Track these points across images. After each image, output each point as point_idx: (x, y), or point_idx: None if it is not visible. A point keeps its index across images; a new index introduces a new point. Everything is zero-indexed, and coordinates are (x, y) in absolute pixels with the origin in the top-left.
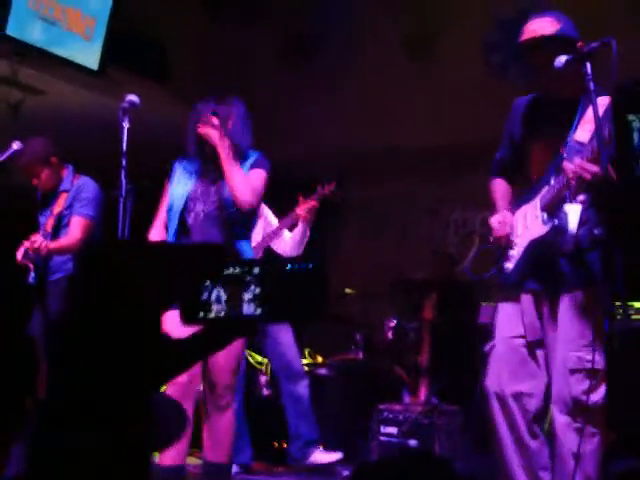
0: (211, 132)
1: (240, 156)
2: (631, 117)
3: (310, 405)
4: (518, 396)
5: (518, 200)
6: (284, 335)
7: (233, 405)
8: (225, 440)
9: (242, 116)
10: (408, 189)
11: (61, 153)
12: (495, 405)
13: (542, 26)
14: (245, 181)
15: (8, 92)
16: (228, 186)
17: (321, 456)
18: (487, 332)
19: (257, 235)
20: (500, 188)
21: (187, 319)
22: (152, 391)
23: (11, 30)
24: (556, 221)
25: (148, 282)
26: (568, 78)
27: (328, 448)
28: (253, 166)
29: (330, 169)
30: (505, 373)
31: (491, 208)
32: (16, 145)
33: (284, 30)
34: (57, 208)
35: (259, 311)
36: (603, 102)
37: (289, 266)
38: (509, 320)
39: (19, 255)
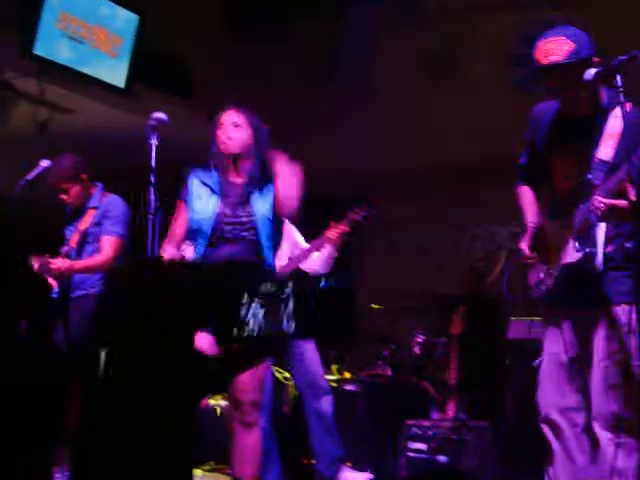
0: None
1: (260, 170)
2: None
3: (334, 422)
4: (565, 411)
5: (548, 212)
6: (309, 351)
7: (260, 422)
8: (253, 457)
9: (257, 124)
10: (434, 204)
11: (90, 171)
12: (544, 421)
13: (555, 49)
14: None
15: (36, 110)
16: (284, 197)
17: (350, 475)
18: (516, 348)
19: (282, 256)
20: (526, 196)
21: (221, 337)
22: (190, 408)
23: (39, 49)
24: (587, 249)
25: (184, 301)
26: (589, 94)
27: (356, 465)
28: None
29: (356, 186)
30: (551, 389)
31: (518, 221)
32: (44, 163)
33: (309, 48)
34: (83, 224)
35: (293, 327)
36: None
37: (322, 283)
38: (552, 337)
39: (36, 265)
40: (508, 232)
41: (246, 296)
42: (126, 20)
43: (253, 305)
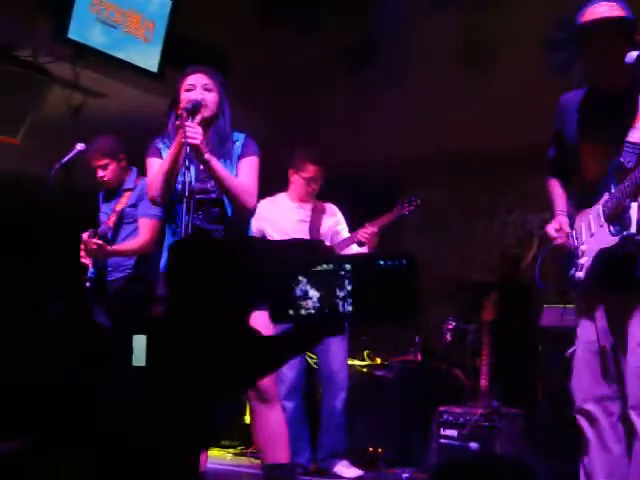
0: (202, 147)
1: (230, 137)
2: None
3: (343, 418)
4: (601, 400)
5: (576, 202)
6: (335, 344)
7: (279, 398)
8: (279, 436)
9: (225, 92)
10: (467, 191)
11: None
12: (579, 411)
13: (606, 11)
14: (241, 187)
15: (70, 95)
16: (225, 195)
17: (343, 470)
18: (549, 335)
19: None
20: (555, 189)
21: (278, 316)
22: (243, 390)
23: (73, 34)
24: (625, 232)
25: (240, 279)
26: (626, 72)
27: (386, 451)
28: (244, 153)
29: (387, 173)
30: (586, 378)
31: (549, 208)
32: (79, 146)
33: (341, 37)
34: (120, 205)
35: (351, 309)
36: None
37: (381, 262)
38: (585, 325)
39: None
40: (541, 219)
41: (302, 275)
42: (159, 5)
43: (309, 284)
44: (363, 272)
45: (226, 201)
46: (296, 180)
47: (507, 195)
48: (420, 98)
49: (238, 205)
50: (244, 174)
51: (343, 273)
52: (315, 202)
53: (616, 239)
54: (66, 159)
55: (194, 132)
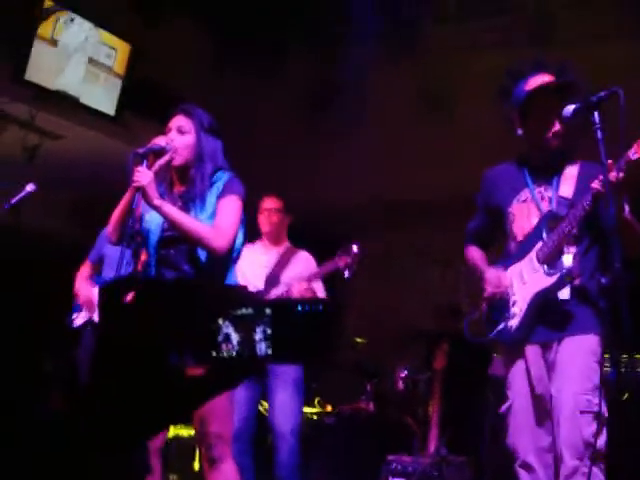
0: (149, 191)
1: (206, 179)
2: None
3: (291, 469)
4: (541, 452)
5: (506, 263)
6: (282, 393)
7: (229, 458)
8: None
9: (206, 129)
10: (421, 240)
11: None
12: (522, 466)
13: (546, 78)
14: (203, 230)
15: (25, 136)
16: (185, 239)
17: None
18: (498, 384)
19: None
20: (478, 253)
21: (199, 358)
22: (158, 431)
23: (30, 75)
24: (563, 270)
25: (162, 320)
26: (563, 132)
27: None
28: (224, 193)
29: (342, 218)
30: (526, 430)
31: (473, 273)
32: (30, 187)
33: (300, 83)
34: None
35: (270, 351)
36: (577, 162)
37: (299, 307)
38: (519, 377)
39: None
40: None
41: (221, 318)
42: (118, 49)
43: (228, 327)
44: (282, 316)
45: None
46: (260, 220)
47: (461, 244)
48: (374, 146)
49: (204, 248)
50: (219, 215)
51: (262, 317)
52: (288, 248)
53: (553, 278)
54: (15, 200)
55: (141, 176)
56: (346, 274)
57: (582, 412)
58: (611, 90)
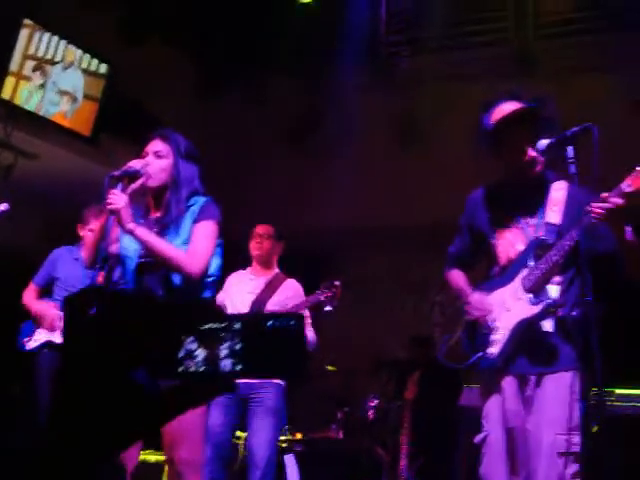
0: (123, 215)
1: (182, 203)
2: None
3: None
4: None
5: (487, 287)
6: (258, 422)
7: None
8: None
9: (182, 154)
10: (393, 268)
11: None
12: None
13: (511, 107)
14: (176, 254)
15: (0, 154)
16: (160, 263)
17: None
18: (469, 415)
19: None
20: (460, 277)
21: (164, 374)
22: (121, 448)
23: (5, 94)
24: (548, 300)
25: (127, 334)
26: (536, 162)
27: None
28: (200, 217)
29: (321, 245)
30: (500, 462)
31: (455, 296)
32: (2, 206)
33: (282, 110)
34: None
35: (239, 367)
36: (561, 186)
37: (270, 322)
38: (496, 408)
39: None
40: (431, 303)
41: (186, 333)
42: (96, 69)
43: (193, 343)
44: (252, 331)
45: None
46: (251, 245)
47: (434, 273)
48: (356, 171)
49: (178, 273)
50: (193, 240)
51: (231, 332)
52: (276, 275)
53: (538, 307)
54: None
55: (116, 199)
56: (327, 308)
57: (561, 454)
58: (585, 126)
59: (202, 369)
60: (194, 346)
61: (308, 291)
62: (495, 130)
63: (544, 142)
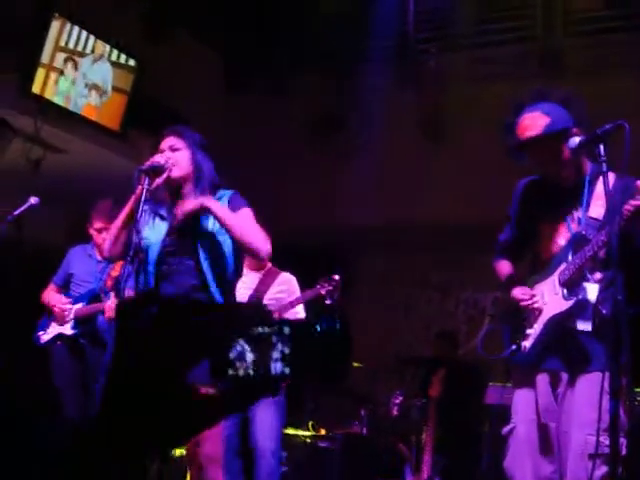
0: (209, 204)
1: (206, 193)
2: None
3: None
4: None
5: (531, 280)
6: (262, 413)
7: None
8: None
9: (198, 146)
10: (420, 266)
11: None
12: None
13: (530, 125)
14: (257, 231)
15: (30, 148)
16: (242, 243)
17: None
18: (493, 413)
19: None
20: (507, 268)
21: (215, 376)
22: (173, 447)
23: (37, 89)
24: (580, 295)
25: (178, 339)
26: (572, 162)
27: None
28: (233, 208)
29: (344, 243)
30: (527, 458)
31: (501, 287)
32: (33, 200)
33: (308, 106)
34: (115, 272)
35: (287, 370)
36: (608, 179)
37: (318, 326)
38: (526, 402)
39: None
40: (493, 298)
41: (237, 337)
42: (125, 62)
43: (245, 346)
44: (301, 336)
45: (201, 254)
46: None
47: (460, 272)
48: (380, 170)
49: (250, 249)
50: (245, 225)
51: (281, 337)
52: (270, 269)
53: (569, 303)
54: (18, 212)
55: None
56: (327, 301)
57: (592, 455)
58: (617, 123)
59: (252, 373)
60: (244, 350)
61: None
62: (520, 148)
63: (576, 140)
